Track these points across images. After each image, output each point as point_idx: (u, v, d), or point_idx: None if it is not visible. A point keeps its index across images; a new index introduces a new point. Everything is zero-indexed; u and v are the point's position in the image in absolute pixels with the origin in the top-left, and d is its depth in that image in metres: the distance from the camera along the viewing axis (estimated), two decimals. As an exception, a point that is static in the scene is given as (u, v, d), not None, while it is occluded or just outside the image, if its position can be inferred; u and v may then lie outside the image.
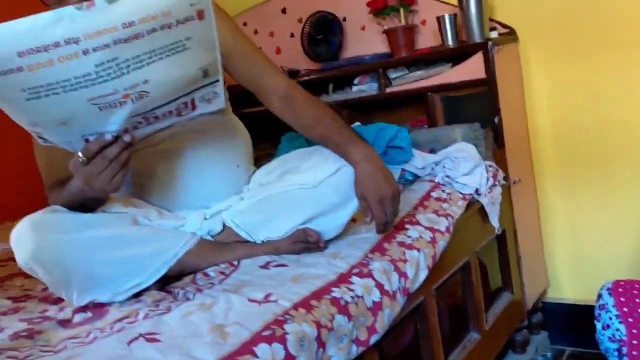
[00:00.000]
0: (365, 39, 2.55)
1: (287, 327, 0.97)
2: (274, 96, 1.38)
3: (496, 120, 1.93)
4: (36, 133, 1.00)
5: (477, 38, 1.97)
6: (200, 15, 0.92)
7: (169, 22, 0.89)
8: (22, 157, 2.57)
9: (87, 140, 1.02)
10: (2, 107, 0.91)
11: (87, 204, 1.22)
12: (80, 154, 1.03)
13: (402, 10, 2.25)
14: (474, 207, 1.73)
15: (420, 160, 1.89)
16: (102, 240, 1.19)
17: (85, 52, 0.85)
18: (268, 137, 2.27)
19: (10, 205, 2.47)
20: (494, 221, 1.76)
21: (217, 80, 1.06)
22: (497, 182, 1.83)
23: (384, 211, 1.27)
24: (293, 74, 2.43)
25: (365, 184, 1.26)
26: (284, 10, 2.75)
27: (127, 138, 1.03)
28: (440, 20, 2.09)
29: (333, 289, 1.12)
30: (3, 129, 2.50)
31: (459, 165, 1.79)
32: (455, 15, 2.07)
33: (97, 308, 1.20)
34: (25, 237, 1.14)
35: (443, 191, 1.71)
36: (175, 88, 1.00)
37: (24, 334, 1.12)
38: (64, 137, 1.01)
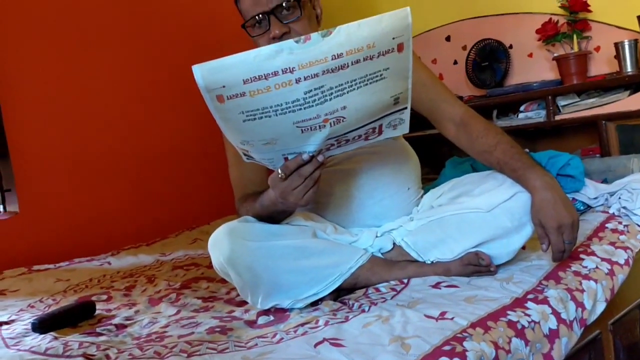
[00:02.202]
0: (532, 66, 2.52)
1: (466, 344, 1.00)
2: (450, 122, 1.42)
3: (681, 151, 1.82)
4: (243, 150, 1.12)
5: (661, 64, 1.87)
6: (400, 47, 0.98)
7: (372, 54, 0.96)
8: (203, 176, 2.83)
9: (286, 159, 1.12)
10: (220, 125, 1.03)
11: (275, 216, 1.33)
12: (279, 171, 1.14)
13: (575, 37, 2.19)
14: (655, 242, 1.63)
15: (592, 190, 1.83)
16: (287, 249, 1.29)
17: (297, 81, 0.94)
18: (426, 162, 2.32)
19: (187, 216, 2.72)
20: (678, 258, 1.64)
21: (406, 108, 1.12)
22: (681, 218, 1.71)
23: (562, 239, 1.25)
24: (456, 100, 2.45)
25: (544, 211, 1.25)
26: (448, 38, 2.79)
27: (320, 158, 1.13)
28: (618, 46, 2.02)
29: (509, 312, 1.13)
30: (195, 152, 2.80)
31: (637, 197, 1.70)
32: (635, 41, 1.99)
33: (279, 312, 1.30)
34: (222, 242, 1.27)
35: (619, 223, 1.63)
36: (368, 114, 1.07)
37: (218, 329, 1.25)
38: (267, 155, 1.11)
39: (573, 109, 2.15)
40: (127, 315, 1.47)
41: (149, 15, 2.76)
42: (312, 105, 0.98)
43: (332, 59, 0.93)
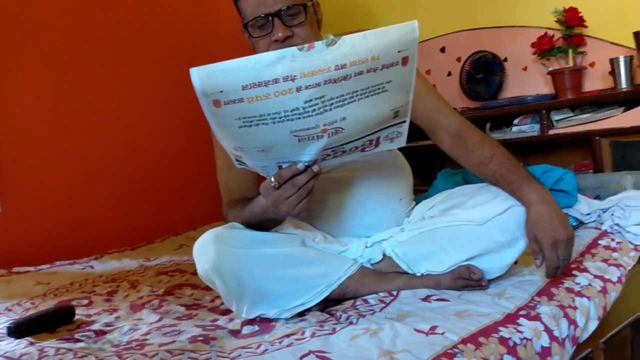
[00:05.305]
0: (526, 80, 2.51)
1: (457, 360, 0.97)
2: (445, 133, 1.39)
3: (675, 169, 1.81)
4: (236, 156, 1.08)
5: (656, 81, 1.87)
6: (405, 61, 0.96)
7: (376, 66, 0.94)
8: (188, 181, 2.79)
9: (280, 167, 1.09)
10: (215, 130, 0.99)
11: (264, 224, 1.30)
12: (272, 179, 1.10)
13: (570, 52, 2.19)
14: (647, 260, 1.61)
15: (585, 206, 1.81)
16: (275, 257, 1.25)
17: (298, 89, 0.91)
18: (416, 173, 2.29)
19: (174, 222, 2.68)
20: (670, 277, 1.62)
21: (405, 121, 1.09)
22: (674, 236, 1.69)
23: (556, 255, 1.22)
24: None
25: (539, 226, 1.23)
26: (443, 49, 2.78)
27: (315, 168, 1.09)
28: (613, 62, 2.01)
29: (500, 328, 1.10)
30: (179, 157, 2.76)
31: (630, 215, 1.68)
32: (631, 57, 1.98)
33: (264, 322, 1.26)
34: (207, 249, 1.23)
35: (612, 240, 1.61)
36: (367, 126, 1.05)
37: (201, 338, 1.21)
38: (260, 163, 1.08)
39: (567, 123, 2.14)
40: (107, 321, 1.43)
41: (139, 19, 2.72)
42: (312, 115, 0.95)
43: (335, 69, 0.91)
